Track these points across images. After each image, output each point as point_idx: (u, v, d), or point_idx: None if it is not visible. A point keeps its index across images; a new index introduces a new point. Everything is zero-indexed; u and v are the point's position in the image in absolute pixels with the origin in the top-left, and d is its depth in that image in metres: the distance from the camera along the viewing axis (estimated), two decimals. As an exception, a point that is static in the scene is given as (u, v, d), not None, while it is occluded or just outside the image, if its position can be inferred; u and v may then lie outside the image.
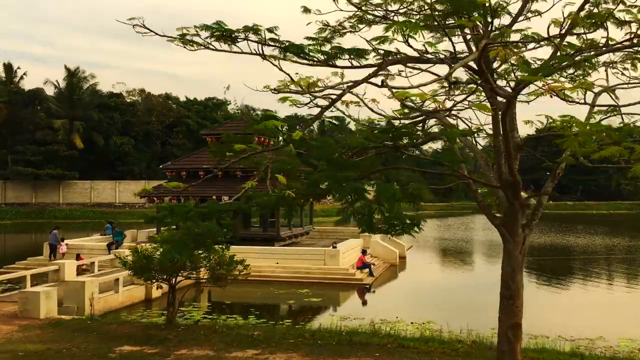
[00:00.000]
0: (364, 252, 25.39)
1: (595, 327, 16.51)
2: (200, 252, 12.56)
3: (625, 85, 8.21)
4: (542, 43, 7.41)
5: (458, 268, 30.06)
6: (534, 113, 9.37)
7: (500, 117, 6.67)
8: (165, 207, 10.03)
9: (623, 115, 8.04)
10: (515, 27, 7.69)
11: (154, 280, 12.62)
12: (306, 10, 8.07)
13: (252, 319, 16.58)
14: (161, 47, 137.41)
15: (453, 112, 9.99)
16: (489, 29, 7.37)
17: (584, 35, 7.30)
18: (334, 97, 10.74)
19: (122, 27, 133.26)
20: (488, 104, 7.31)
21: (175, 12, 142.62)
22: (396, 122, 8.59)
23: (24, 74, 72.70)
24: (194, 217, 9.45)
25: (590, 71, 8.13)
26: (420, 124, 9.41)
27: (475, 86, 8.17)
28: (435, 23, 6.89)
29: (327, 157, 8.53)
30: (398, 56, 8.51)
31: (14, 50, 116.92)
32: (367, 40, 7.83)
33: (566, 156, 7.31)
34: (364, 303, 21.30)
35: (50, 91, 73.22)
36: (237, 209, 9.43)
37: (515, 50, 7.06)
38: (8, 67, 71.03)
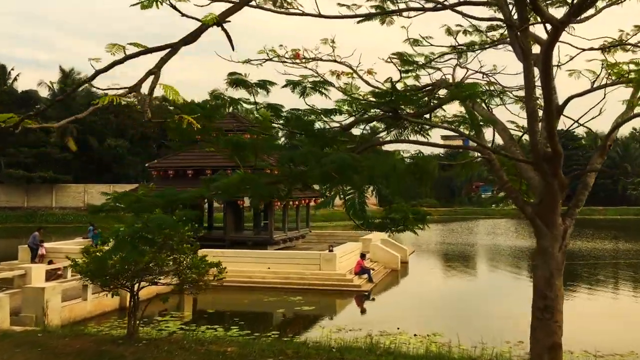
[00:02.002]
0: (362, 256, 23.45)
1: (622, 340, 14.59)
2: (167, 253, 10.72)
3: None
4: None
5: (464, 274, 28.12)
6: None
7: (540, 60, 4.81)
8: (113, 196, 8.19)
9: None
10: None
11: (111, 287, 10.75)
12: None
13: (234, 330, 14.69)
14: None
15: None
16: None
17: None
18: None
19: (126, 33, 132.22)
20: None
21: (175, 18, 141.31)
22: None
23: (18, 75, 71.25)
24: (145, 208, 7.59)
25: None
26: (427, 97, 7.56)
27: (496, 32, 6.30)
28: None
29: (306, 129, 6.69)
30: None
31: (16, 55, 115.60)
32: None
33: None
34: (362, 312, 19.39)
35: (44, 93, 71.64)
36: (197, 196, 7.57)
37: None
38: (1, 69, 69.42)
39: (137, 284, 10.99)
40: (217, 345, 10.20)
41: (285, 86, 7.53)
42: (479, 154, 6.07)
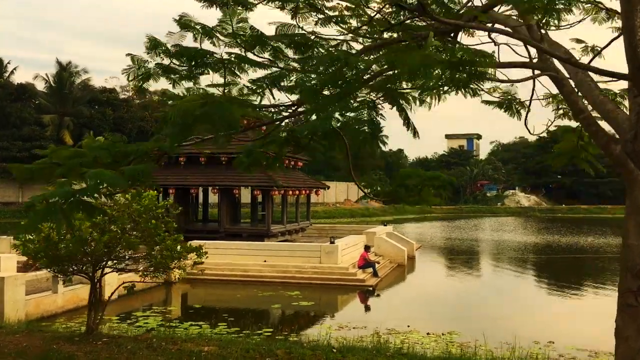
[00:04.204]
0: (367, 248, 21.60)
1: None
2: (135, 232, 8.93)
3: None
4: None
5: (474, 270, 26.29)
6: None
7: None
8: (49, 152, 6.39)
9: None
10: None
11: (68, 274, 8.97)
12: None
13: (222, 328, 12.90)
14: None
15: None
16: None
17: None
18: None
19: (129, 35, 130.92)
20: None
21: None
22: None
23: (15, 69, 69.71)
24: (86, 165, 5.77)
25: None
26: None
27: None
28: None
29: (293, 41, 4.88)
30: None
31: (21, 56, 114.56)
32: None
33: None
34: (367, 308, 17.57)
35: (41, 86, 70.00)
36: (154, 148, 5.76)
37: None
38: (-3, 62, 67.89)
39: (100, 270, 9.20)
40: (194, 344, 8.40)
41: (270, 1, 5.73)
42: (541, 70, 4.27)
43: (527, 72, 4.90)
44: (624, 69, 3.91)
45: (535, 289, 21.22)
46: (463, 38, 5.87)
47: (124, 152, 5.52)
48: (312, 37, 5.27)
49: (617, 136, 4.21)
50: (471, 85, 3.18)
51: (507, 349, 10.80)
